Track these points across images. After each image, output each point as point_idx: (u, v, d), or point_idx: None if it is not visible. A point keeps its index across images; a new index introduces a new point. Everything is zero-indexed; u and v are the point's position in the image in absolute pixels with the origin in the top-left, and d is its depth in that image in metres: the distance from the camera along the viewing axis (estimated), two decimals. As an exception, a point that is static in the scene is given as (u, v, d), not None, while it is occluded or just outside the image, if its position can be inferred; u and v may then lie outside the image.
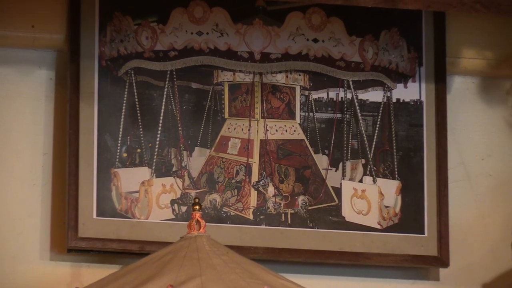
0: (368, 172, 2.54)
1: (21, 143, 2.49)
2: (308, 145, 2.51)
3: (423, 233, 2.53)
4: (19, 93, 2.54)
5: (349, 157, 2.53)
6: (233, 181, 2.45)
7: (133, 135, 2.42)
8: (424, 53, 2.68)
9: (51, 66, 2.56)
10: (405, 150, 2.60)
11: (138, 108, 2.39)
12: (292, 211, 2.46)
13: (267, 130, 2.51)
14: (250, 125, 2.52)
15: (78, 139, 2.39)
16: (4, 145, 2.49)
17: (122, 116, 2.39)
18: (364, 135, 2.57)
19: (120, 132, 2.40)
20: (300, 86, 2.56)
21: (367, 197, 2.55)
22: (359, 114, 2.58)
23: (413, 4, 2.26)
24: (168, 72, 2.42)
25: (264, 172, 2.47)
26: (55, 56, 2.56)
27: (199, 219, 1.76)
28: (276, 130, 2.52)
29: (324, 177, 2.51)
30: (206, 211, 2.37)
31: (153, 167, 2.39)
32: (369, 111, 2.59)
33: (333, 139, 2.54)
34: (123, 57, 2.39)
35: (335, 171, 2.50)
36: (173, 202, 2.40)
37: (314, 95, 2.57)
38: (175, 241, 1.80)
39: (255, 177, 2.43)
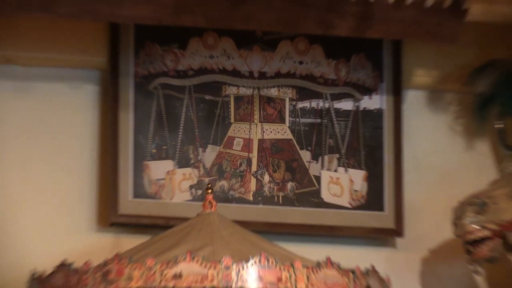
0: (341, 164, 2.98)
1: (74, 142, 2.94)
2: (295, 143, 2.95)
3: (383, 211, 2.97)
4: (72, 104, 2.99)
5: (326, 152, 2.95)
6: (237, 171, 2.90)
7: (160, 135, 2.87)
8: (385, 72, 3.09)
9: (97, 82, 3.02)
10: (370, 147, 3.01)
11: (164, 115, 2.85)
12: (283, 194, 2.89)
13: (264, 132, 2.96)
14: (250, 128, 2.95)
15: (118, 139, 2.85)
16: (61, 144, 2.96)
17: (152, 121, 2.86)
18: (338, 135, 2.99)
19: (150, 134, 2.87)
20: (289, 97, 2.98)
21: (340, 183, 2.99)
22: (335, 120, 3.01)
23: (377, 34, 2.73)
24: (187, 87, 2.86)
25: (261, 164, 2.91)
26: (99, 75, 3.00)
27: (211, 200, 2.25)
28: (271, 132, 2.96)
29: (307, 167, 2.93)
30: (216, 194, 2.69)
31: (176, 160, 2.85)
32: (342, 117, 3.00)
33: (314, 139, 2.96)
34: (152, 75, 2.84)
35: (316, 163, 2.94)
36: (191, 187, 2.83)
37: (300, 105, 2.98)
38: (193, 217, 2.27)
39: (254, 167, 2.89)
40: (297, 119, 3.01)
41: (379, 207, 3.00)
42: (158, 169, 2.86)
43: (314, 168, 2.96)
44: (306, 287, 2.26)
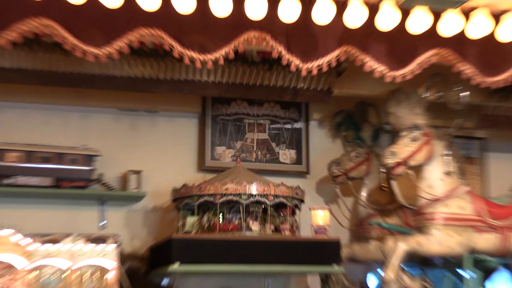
0: (286, 148, 5.00)
1: (189, 140, 4.84)
2: (270, 140, 5.00)
3: (301, 164, 4.98)
4: (187, 126, 4.84)
5: (281, 143, 4.99)
6: (248, 150, 4.91)
7: (220, 137, 4.89)
8: (302, 112, 5.08)
9: (196, 117, 4.86)
10: (297, 141, 5.03)
11: (221, 129, 4.85)
12: (265, 158, 4.96)
13: (258, 136, 4.97)
14: (253, 135, 4.95)
15: (204, 139, 4.78)
16: (184, 142, 4.79)
17: (217, 132, 4.88)
18: (285, 137, 5.04)
19: (216, 136, 4.87)
20: (267, 123, 5.00)
21: (286, 154, 5.01)
22: (284, 131, 5.03)
23: (300, 99, 4.80)
24: (230, 118, 4.91)
25: (257, 148, 4.97)
26: (197, 116, 4.85)
27: (239, 161, 4.42)
28: (260, 136, 5.00)
29: (274, 149, 4.97)
30: (242, 159, 4.63)
31: (226, 146, 4.85)
32: (287, 131, 5.04)
33: (276, 138, 5.04)
34: (218, 115, 4.83)
35: (276, 146, 5.01)
36: (232, 156, 4.88)
37: (271, 125, 5.01)
38: (232, 167, 4.38)
39: (254, 149, 4.93)
40: (271, 131, 5.03)
41: (300, 162, 5.07)
42: (219, 149, 4.89)
43: (276, 149, 5.04)
44: (273, 191, 4.04)
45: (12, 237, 3.65)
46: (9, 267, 3.60)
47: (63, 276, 3.72)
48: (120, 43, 3.36)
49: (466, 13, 3.58)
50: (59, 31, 3.26)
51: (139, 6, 3.19)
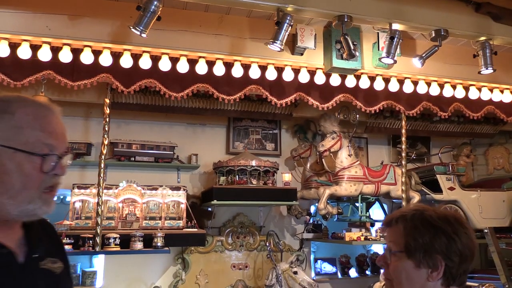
0: (268, 142, 4.54)
1: (220, 137, 4.48)
2: (261, 138, 4.47)
3: (277, 150, 4.57)
4: (218, 133, 4.46)
5: (267, 140, 4.52)
6: (251, 144, 4.49)
7: (237, 137, 4.42)
8: (278, 125, 4.60)
9: (224, 127, 4.43)
10: (274, 139, 4.57)
11: (236, 133, 4.45)
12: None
13: (255, 136, 4.51)
14: (253, 136, 4.47)
15: (229, 139, 4.41)
16: (216, 138, 4.46)
17: (235, 135, 4.44)
18: (270, 137, 4.54)
19: (235, 137, 4.46)
20: (260, 130, 4.53)
21: (270, 146, 4.50)
22: (269, 134, 4.54)
23: (276, 118, 4.41)
24: (242, 127, 4.48)
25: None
26: (225, 126, 4.42)
27: (246, 149, 4.67)
28: (256, 137, 4.53)
29: (265, 145, 4.54)
30: (247, 148, 4.30)
31: (239, 142, 4.46)
32: (270, 134, 4.56)
33: (267, 137, 4.55)
34: (235, 126, 4.43)
35: (265, 142, 4.56)
36: (243, 146, 4.38)
37: (263, 132, 4.51)
38: (242, 152, 4.49)
39: None
40: (262, 134, 4.56)
41: (276, 150, 4.58)
42: (236, 143, 4.46)
43: (264, 143, 4.55)
44: (263, 164, 3.94)
45: (134, 186, 3.70)
46: (133, 201, 3.65)
47: (159, 206, 3.74)
48: (187, 91, 3.41)
49: (358, 76, 3.59)
50: (157, 84, 3.33)
51: (196, 71, 3.25)
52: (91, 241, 3.11)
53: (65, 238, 3.05)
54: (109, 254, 3.43)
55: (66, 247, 3.08)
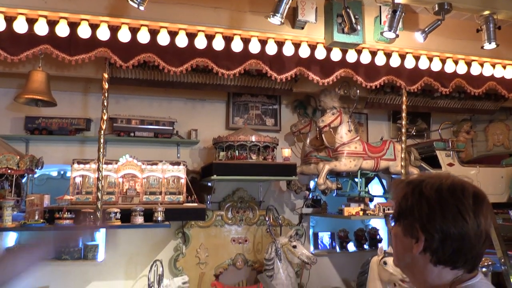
0: (267, 117, 4.46)
1: (221, 112, 4.44)
2: (261, 115, 4.45)
3: (277, 125, 4.66)
4: (218, 108, 4.44)
5: (267, 115, 4.46)
6: (250, 119, 4.46)
7: (236, 112, 4.40)
8: (278, 100, 4.58)
9: (224, 102, 4.33)
10: (274, 114, 4.49)
11: (236, 108, 4.38)
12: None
13: (255, 110, 4.51)
14: (253, 111, 4.61)
15: (229, 113, 4.32)
16: (216, 112, 4.42)
17: (235, 110, 4.38)
18: (270, 112, 4.48)
19: (235, 112, 4.38)
20: (260, 106, 4.48)
21: (269, 121, 4.43)
22: (268, 109, 4.49)
23: (276, 93, 4.32)
24: (242, 102, 4.47)
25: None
26: (225, 101, 4.37)
27: (246, 124, 4.43)
28: (256, 112, 4.49)
29: (264, 120, 4.49)
30: (247, 124, 4.34)
31: (239, 117, 4.52)
32: (270, 109, 4.52)
33: (267, 112, 4.52)
34: (235, 101, 4.36)
35: (264, 117, 4.50)
36: (242, 123, 4.31)
37: (262, 107, 4.47)
38: (242, 127, 4.30)
39: None
40: (261, 110, 4.51)
41: (276, 125, 4.55)
42: (236, 119, 4.43)
43: (264, 119, 4.51)
44: (263, 139, 3.96)
45: (134, 161, 3.68)
46: (133, 176, 3.67)
47: (159, 181, 3.73)
48: (186, 65, 3.36)
49: (359, 51, 3.53)
50: (156, 59, 3.27)
51: (195, 46, 3.19)
52: (92, 216, 3.10)
53: (66, 213, 3.06)
54: (110, 228, 3.49)
55: (68, 221, 3.13)
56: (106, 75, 3.28)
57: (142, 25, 3.01)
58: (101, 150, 3.27)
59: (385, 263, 3.23)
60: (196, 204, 3.58)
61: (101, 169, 3.19)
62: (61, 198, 3.20)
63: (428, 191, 1.21)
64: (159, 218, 3.25)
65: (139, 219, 3.21)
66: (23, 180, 3.29)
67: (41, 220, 3.01)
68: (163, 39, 3.04)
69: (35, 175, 3.43)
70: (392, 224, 1.31)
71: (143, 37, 3.01)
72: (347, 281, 4.36)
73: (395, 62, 3.53)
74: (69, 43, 2.94)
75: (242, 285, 4.00)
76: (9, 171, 2.96)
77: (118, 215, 3.19)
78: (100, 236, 3.78)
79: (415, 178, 1.30)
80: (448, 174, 1.27)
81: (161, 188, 3.58)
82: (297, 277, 3.94)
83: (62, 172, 3.87)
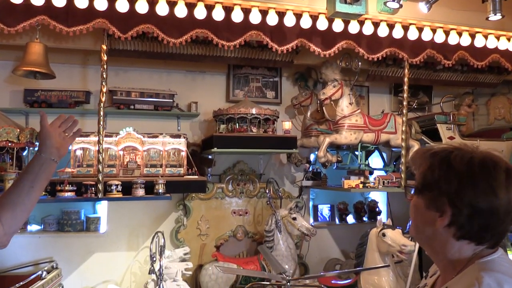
0: (270, 90, 4.36)
1: (221, 86, 4.33)
2: (262, 87, 4.33)
3: (278, 99, 4.40)
4: (218, 80, 4.34)
5: (268, 87, 4.33)
6: (251, 92, 4.34)
7: (237, 85, 4.27)
8: (278, 72, 4.45)
9: (224, 74, 4.27)
10: (275, 88, 4.36)
11: (237, 80, 4.26)
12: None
13: (255, 82, 4.35)
14: (253, 84, 4.59)
15: (229, 84, 4.19)
16: (215, 83, 4.31)
17: (236, 82, 4.24)
18: (271, 85, 4.37)
19: (235, 84, 4.28)
20: (261, 78, 4.36)
21: (270, 94, 4.34)
22: (269, 81, 4.34)
23: (277, 65, 4.22)
24: (242, 75, 4.32)
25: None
26: (225, 74, 4.25)
27: (247, 97, 4.72)
28: (255, 84, 4.34)
29: (265, 92, 4.39)
30: (247, 96, 4.20)
31: (240, 89, 4.24)
32: (271, 81, 4.36)
33: (268, 85, 4.37)
34: (235, 73, 4.25)
35: (265, 89, 4.37)
36: (243, 95, 4.38)
37: (263, 79, 4.35)
38: (243, 100, 4.31)
39: None
40: (262, 82, 4.40)
41: (277, 98, 4.42)
42: (236, 91, 4.33)
43: (265, 91, 4.40)
44: (263, 112, 3.82)
45: (134, 134, 3.67)
46: (134, 149, 3.67)
47: (160, 154, 3.72)
48: (186, 36, 3.31)
49: (362, 21, 3.56)
50: (155, 30, 3.23)
51: (195, 16, 3.15)
52: (93, 188, 3.11)
53: (67, 185, 3.07)
54: (112, 200, 3.51)
55: (69, 194, 3.17)
56: (104, 47, 3.21)
57: (140, -6, 2.83)
58: (101, 123, 3.25)
59: (383, 234, 3.25)
60: (196, 177, 3.55)
61: (101, 142, 3.16)
62: (62, 171, 3.21)
63: (458, 164, 1.18)
64: (160, 191, 3.26)
65: (140, 192, 3.23)
66: (24, 153, 3.27)
67: (43, 193, 2.99)
68: (162, 9, 2.98)
69: (36, 148, 3.42)
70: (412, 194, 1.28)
71: (142, 7, 2.94)
72: (346, 252, 4.38)
73: (398, 33, 3.47)
74: (67, 13, 2.88)
75: (243, 256, 4.02)
76: (9, 144, 2.94)
77: (119, 188, 3.19)
78: (102, 208, 3.78)
79: (441, 149, 1.25)
80: (475, 146, 1.24)
81: (161, 161, 3.55)
82: (297, 248, 3.95)
83: (63, 145, 3.81)
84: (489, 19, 3.22)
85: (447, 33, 3.55)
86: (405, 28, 3.48)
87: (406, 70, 3.80)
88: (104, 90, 3.20)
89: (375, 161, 4.43)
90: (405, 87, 3.83)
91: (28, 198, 1.51)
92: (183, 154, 3.72)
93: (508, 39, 3.68)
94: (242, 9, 3.13)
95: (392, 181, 3.83)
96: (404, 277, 3.52)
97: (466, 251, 1.19)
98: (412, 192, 1.27)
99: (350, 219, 4.53)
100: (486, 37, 3.62)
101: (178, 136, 3.66)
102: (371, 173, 4.17)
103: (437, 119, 4.14)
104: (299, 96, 4.26)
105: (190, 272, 3.53)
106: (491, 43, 3.63)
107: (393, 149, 4.32)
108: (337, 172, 4.30)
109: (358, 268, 3.36)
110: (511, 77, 4.47)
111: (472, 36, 3.60)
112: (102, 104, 3.28)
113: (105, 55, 3.29)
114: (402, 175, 3.84)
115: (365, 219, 4.52)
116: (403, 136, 3.89)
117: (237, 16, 3.13)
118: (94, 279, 3.68)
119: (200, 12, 3.05)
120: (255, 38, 3.40)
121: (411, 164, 1.33)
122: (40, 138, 1.76)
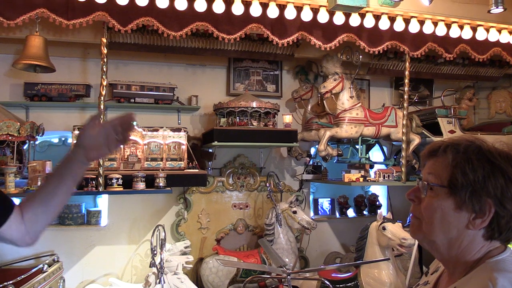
0: (269, 83, 4.30)
1: (221, 79, 4.28)
2: (262, 80, 4.27)
3: (278, 92, 4.41)
4: (218, 75, 4.30)
5: (269, 80, 4.29)
6: (252, 85, 4.28)
7: (237, 78, 4.24)
8: (279, 66, 4.42)
9: (225, 67, 4.23)
10: (276, 81, 4.34)
11: (237, 74, 4.21)
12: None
13: (256, 75, 4.29)
14: (254, 77, 4.30)
15: (229, 77, 4.14)
16: (216, 76, 4.27)
17: (236, 76, 4.22)
18: (271, 79, 4.29)
19: (236, 78, 4.24)
20: (261, 71, 4.32)
21: (271, 87, 4.28)
22: (269, 75, 4.27)
23: (278, 58, 4.17)
24: (242, 68, 4.22)
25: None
26: (225, 67, 4.21)
27: (247, 90, 4.62)
28: (256, 77, 4.29)
29: (265, 85, 4.32)
30: (248, 90, 4.15)
31: (240, 83, 4.24)
32: (271, 75, 4.32)
33: (268, 78, 4.31)
34: (236, 67, 4.22)
35: (266, 83, 4.34)
36: (244, 87, 4.26)
37: (264, 73, 4.31)
38: (243, 93, 4.15)
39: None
40: (263, 75, 4.35)
41: (277, 91, 4.39)
42: (237, 85, 4.29)
43: (265, 85, 4.36)
44: (264, 105, 3.86)
45: (135, 127, 3.63)
46: (135, 142, 3.65)
47: (160, 147, 3.72)
48: (186, 29, 3.31)
49: (363, 14, 3.55)
50: (155, 23, 3.22)
51: (195, 9, 3.15)
52: (94, 182, 3.12)
53: (68, 179, 3.04)
54: (112, 194, 3.50)
55: (70, 187, 3.16)
56: (104, 40, 3.21)
57: (140, -14, 2.85)
58: (102, 117, 3.27)
59: (384, 228, 3.25)
60: (197, 170, 3.56)
61: (102, 135, 3.14)
62: (62, 165, 3.18)
63: (497, 158, 1.07)
64: (161, 184, 3.25)
65: (141, 185, 3.23)
66: (25, 147, 3.27)
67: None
68: (162, 2, 2.98)
69: (36, 142, 3.40)
70: (428, 195, 1.14)
71: (142, 0, 2.93)
72: (346, 246, 4.40)
73: (399, 26, 3.47)
74: (66, 6, 2.88)
75: (243, 250, 4.01)
76: (10, 137, 2.93)
77: (120, 181, 3.20)
78: (103, 202, 3.79)
79: (457, 141, 1.13)
80: (479, 137, 1.15)
81: (162, 154, 3.54)
82: (297, 242, 3.96)
83: (63, 139, 3.81)
84: (491, 12, 3.22)
85: (448, 26, 3.53)
86: (406, 21, 3.47)
87: (407, 64, 3.79)
88: (104, 83, 3.18)
89: (376, 154, 4.42)
90: (406, 81, 3.81)
91: (51, 199, 1.45)
92: (184, 147, 3.63)
93: (510, 32, 3.67)
94: (242, 1, 3.12)
95: (392, 174, 3.87)
96: (404, 270, 3.54)
97: (482, 249, 1.11)
98: (430, 190, 1.13)
99: (350, 212, 4.52)
100: (487, 30, 3.61)
101: (178, 129, 3.65)
102: (371, 166, 4.16)
103: (438, 112, 4.11)
104: (299, 90, 4.22)
105: (191, 265, 3.53)
106: (493, 36, 3.61)
107: (394, 142, 4.31)
108: (338, 165, 4.30)
109: (358, 262, 3.32)
110: (512, 70, 4.38)
111: (474, 29, 3.58)
112: (102, 98, 3.27)
113: (105, 48, 3.28)
114: (403, 169, 3.83)
115: (365, 212, 4.51)
116: (403, 130, 3.88)
117: (237, 9, 3.12)
118: (95, 272, 3.67)
119: (200, 5, 3.04)
120: (256, 31, 3.39)
121: (423, 160, 1.21)
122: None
